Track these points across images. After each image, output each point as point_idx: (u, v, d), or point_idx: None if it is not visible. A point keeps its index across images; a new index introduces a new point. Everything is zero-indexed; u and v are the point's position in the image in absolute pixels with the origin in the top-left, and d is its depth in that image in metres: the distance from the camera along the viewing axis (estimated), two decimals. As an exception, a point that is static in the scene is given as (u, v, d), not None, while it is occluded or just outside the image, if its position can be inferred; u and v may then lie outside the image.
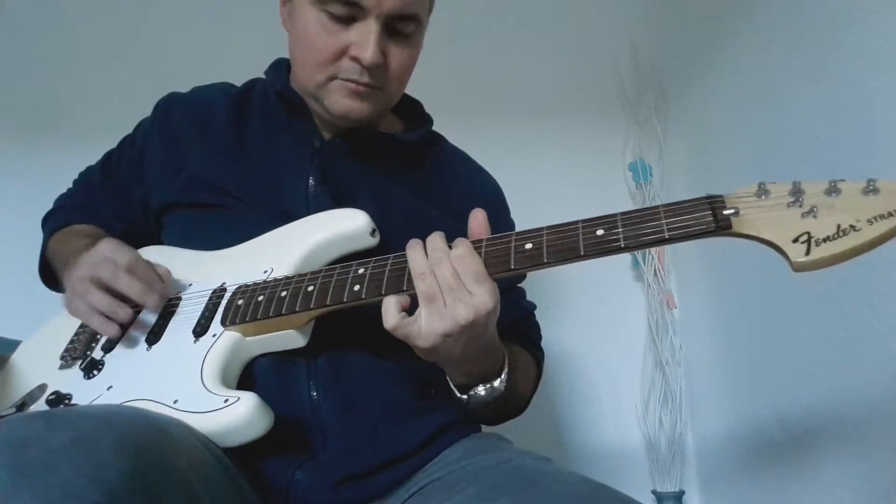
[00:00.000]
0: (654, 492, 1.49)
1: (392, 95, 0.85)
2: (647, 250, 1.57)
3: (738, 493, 1.37)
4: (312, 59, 0.80)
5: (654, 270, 1.58)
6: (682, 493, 1.47)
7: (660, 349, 1.54)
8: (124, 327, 0.77)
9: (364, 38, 0.76)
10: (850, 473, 1.05)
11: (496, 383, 0.71)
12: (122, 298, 0.76)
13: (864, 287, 1.02)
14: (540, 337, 0.94)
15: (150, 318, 0.78)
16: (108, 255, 0.76)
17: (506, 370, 0.72)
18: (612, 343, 1.59)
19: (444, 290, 0.62)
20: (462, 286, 0.62)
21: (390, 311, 0.65)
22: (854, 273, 1.03)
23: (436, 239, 0.66)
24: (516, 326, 0.89)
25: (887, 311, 0.98)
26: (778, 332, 1.24)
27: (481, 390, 0.71)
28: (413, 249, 0.66)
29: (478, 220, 0.68)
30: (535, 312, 0.96)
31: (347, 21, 0.77)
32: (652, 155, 1.64)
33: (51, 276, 0.96)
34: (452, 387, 0.73)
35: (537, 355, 0.90)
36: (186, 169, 0.86)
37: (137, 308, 0.77)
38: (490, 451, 0.74)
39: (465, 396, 0.72)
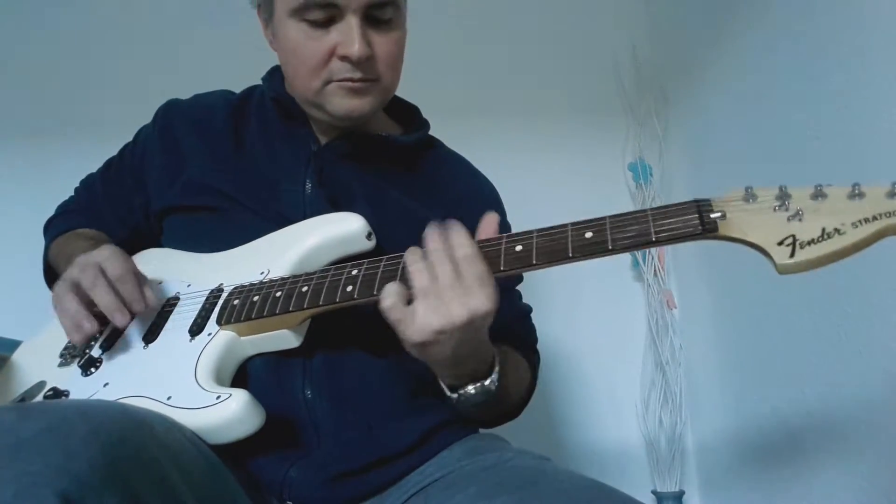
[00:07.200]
0: (654, 492, 1.49)
1: (389, 84, 0.85)
2: (647, 250, 1.57)
3: (738, 492, 1.37)
4: (304, 68, 0.80)
5: (654, 270, 1.58)
6: (682, 493, 1.47)
7: (660, 349, 1.54)
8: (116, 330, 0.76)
9: (347, 35, 0.77)
10: (849, 473, 1.05)
11: (486, 382, 0.71)
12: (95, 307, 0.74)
13: (863, 287, 1.02)
14: (536, 340, 0.93)
15: (147, 317, 0.79)
16: (99, 261, 0.75)
17: (497, 369, 0.72)
18: (612, 343, 1.59)
19: (443, 287, 0.62)
20: (461, 286, 0.62)
21: (390, 293, 0.64)
22: (854, 273, 1.03)
23: (435, 236, 0.65)
24: (511, 327, 0.88)
25: (887, 311, 0.98)
26: (778, 332, 1.24)
27: (471, 389, 0.71)
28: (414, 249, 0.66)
29: (490, 224, 0.68)
30: (534, 313, 0.95)
31: (327, 24, 0.78)
32: (652, 155, 1.64)
33: (55, 279, 0.96)
34: (444, 386, 0.73)
35: (531, 358, 0.90)
36: (186, 173, 0.87)
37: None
38: (489, 451, 0.74)
39: (454, 396, 0.72)
